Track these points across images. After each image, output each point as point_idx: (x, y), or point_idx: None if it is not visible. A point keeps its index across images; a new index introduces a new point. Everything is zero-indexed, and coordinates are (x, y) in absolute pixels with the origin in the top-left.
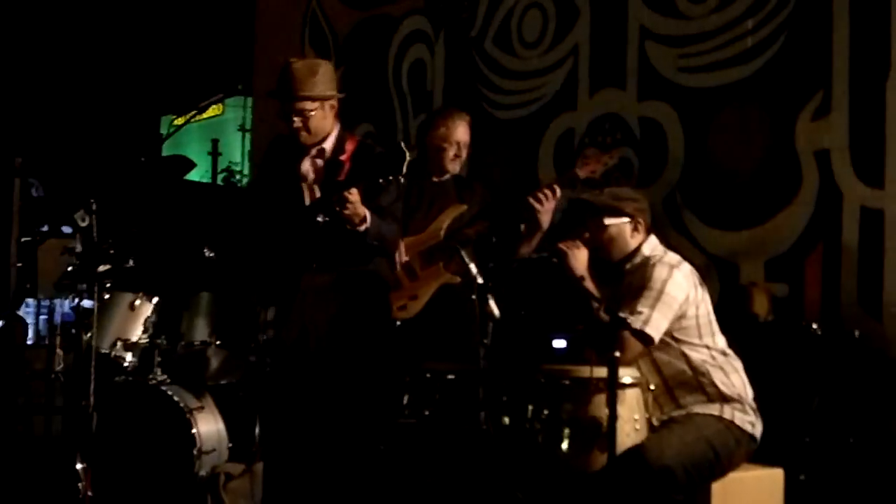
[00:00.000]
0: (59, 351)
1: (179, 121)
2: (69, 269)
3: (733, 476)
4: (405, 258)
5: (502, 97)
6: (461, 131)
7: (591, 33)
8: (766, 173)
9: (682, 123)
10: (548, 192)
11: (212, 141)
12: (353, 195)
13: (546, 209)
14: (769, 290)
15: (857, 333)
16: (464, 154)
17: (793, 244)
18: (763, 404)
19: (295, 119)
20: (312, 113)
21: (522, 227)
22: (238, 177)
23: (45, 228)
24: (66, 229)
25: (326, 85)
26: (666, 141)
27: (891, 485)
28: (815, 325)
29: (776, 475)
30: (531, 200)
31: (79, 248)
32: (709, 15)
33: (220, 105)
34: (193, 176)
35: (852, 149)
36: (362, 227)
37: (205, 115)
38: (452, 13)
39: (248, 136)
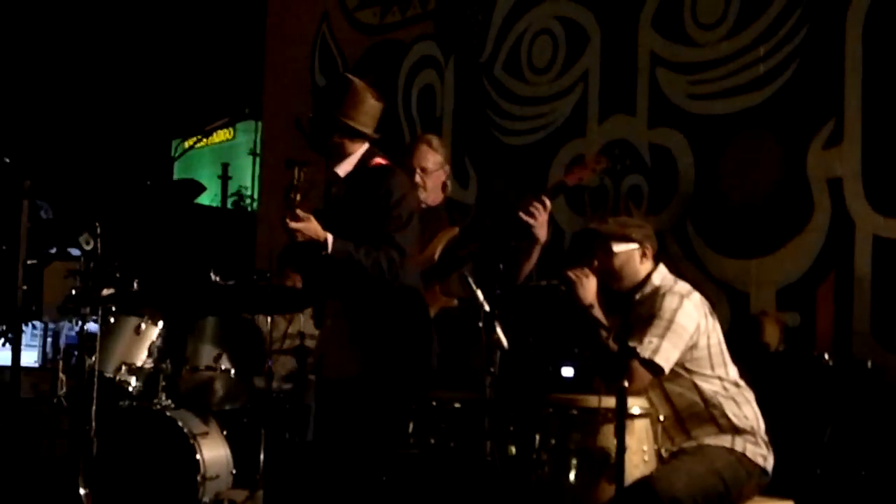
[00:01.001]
0: (61, 375)
1: (188, 143)
2: (73, 292)
3: None
4: None
5: (512, 123)
6: (419, 157)
7: (602, 59)
8: (777, 201)
9: (692, 150)
10: (537, 204)
11: (222, 165)
12: (299, 214)
13: (540, 222)
14: (780, 320)
15: (869, 364)
16: (427, 179)
17: (804, 273)
18: (774, 435)
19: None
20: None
21: (521, 243)
22: (248, 201)
23: (53, 251)
24: (75, 252)
25: (353, 116)
26: (676, 168)
27: None
28: (826, 356)
29: None
30: (523, 216)
31: (82, 271)
32: (720, 42)
33: (231, 129)
34: (204, 200)
35: (865, 177)
36: (324, 252)
37: (216, 140)
38: (462, 39)
39: (258, 160)
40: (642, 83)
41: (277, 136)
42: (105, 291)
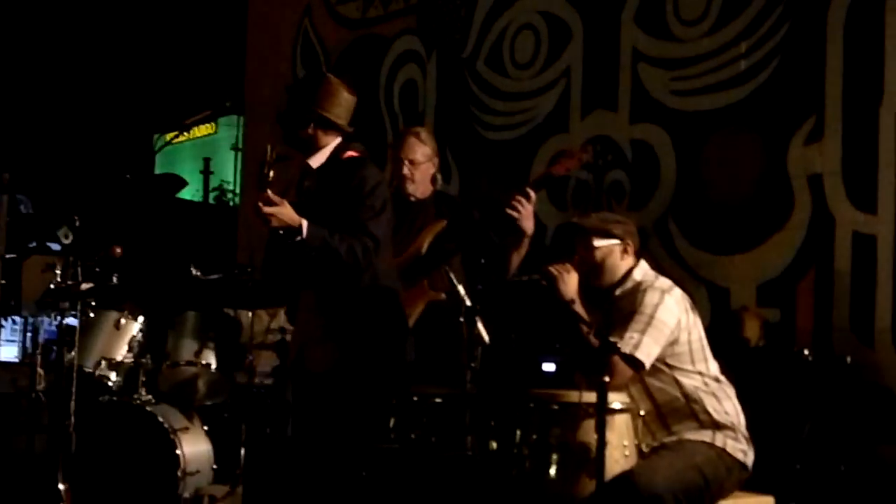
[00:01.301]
0: (39, 370)
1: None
2: (51, 286)
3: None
4: None
5: (494, 118)
6: (407, 148)
7: (584, 55)
8: (758, 197)
9: (674, 146)
10: (521, 197)
11: (203, 160)
12: (272, 198)
13: (525, 214)
14: (761, 315)
15: (849, 360)
16: (415, 171)
17: (785, 269)
18: (754, 430)
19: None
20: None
21: (507, 238)
22: (230, 195)
23: (33, 245)
24: (55, 246)
25: (322, 101)
26: (658, 164)
27: None
28: (806, 352)
29: (766, 503)
30: (508, 211)
31: (59, 266)
32: (702, 38)
33: (213, 124)
34: (185, 194)
35: (845, 174)
36: (298, 238)
37: (198, 134)
38: (445, 34)
39: (240, 154)
40: (624, 79)
41: (259, 131)
42: (84, 286)
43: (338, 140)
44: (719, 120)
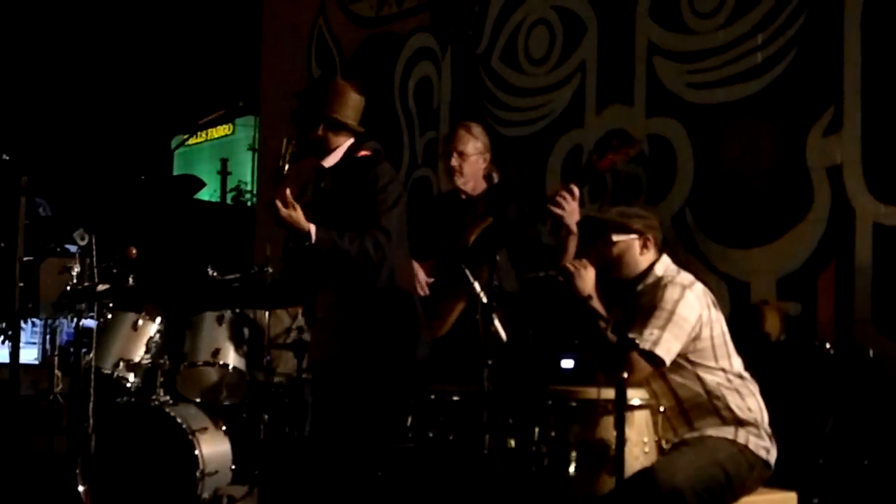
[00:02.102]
0: (57, 372)
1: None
2: (68, 288)
3: (745, 501)
4: (427, 278)
5: (509, 114)
6: (457, 140)
7: (599, 49)
8: (777, 190)
9: (691, 140)
10: (565, 193)
11: (221, 160)
12: (288, 200)
13: (570, 210)
14: (781, 309)
15: (871, 353)
16: (465, 165)
17: (805, 262)
18: (776, 425)
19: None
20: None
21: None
22: (247, 196)
23: (52, 247)
24: (72, 248)
25: (331, 103)
26: (675, 158)
27: None
28: (828, 345)
29: (789, 499)
30: (552, 208)
31: (77, 268)
32: (717, 30)
33: (231, 125)
34: (204, 195)
35: (865, 165)
36: (308, 244)
37: (215, 135)
38: (459, 30)
39: (258, 155)
40: (640, 73)
41: (275, 130)
42: (101, 287)
43: (350, 141)
44: (736, 112)
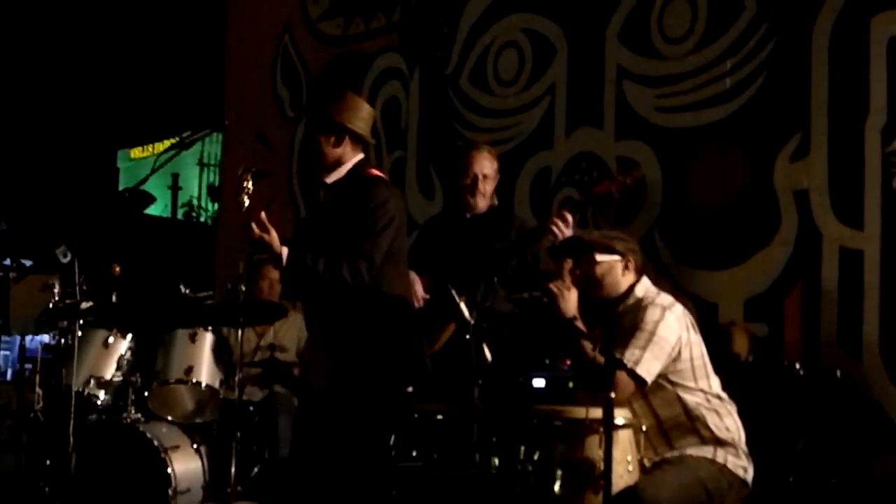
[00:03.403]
0: (38, 390)
1: (137, 153)
2: (50, 305)
3: None
4: (424, 294)
5: (478, 135)
6: (480, 164)
7: (569, 72)
8: (744, 213)
9: (660, 163)
10: (559, 221)
11: (172, 175)
12: (264, 223)
13: (565, 237)
14: (749, 330)
15: (839, 373)
16: (487, 186)
17: (772, 284)
18: (749, 444)
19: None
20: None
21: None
22: (199, 211)
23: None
24: (27, 263)
25: (335, 113)
26: (644, 180)
27: None
28: (797, 366)
29: None
30: (548, 234)
31: (58, 286)
32: (687, 55)
33: (178, 139)
34: (154, 211)
35: (831, 189)
36: (283, 263)
37: (162, 149)
38: (427, 51)
39: (207, 170)
40: (609, 96)
41: (239, 148)
42: (84, 305)
43: (358, 157)
44: (705, 137)
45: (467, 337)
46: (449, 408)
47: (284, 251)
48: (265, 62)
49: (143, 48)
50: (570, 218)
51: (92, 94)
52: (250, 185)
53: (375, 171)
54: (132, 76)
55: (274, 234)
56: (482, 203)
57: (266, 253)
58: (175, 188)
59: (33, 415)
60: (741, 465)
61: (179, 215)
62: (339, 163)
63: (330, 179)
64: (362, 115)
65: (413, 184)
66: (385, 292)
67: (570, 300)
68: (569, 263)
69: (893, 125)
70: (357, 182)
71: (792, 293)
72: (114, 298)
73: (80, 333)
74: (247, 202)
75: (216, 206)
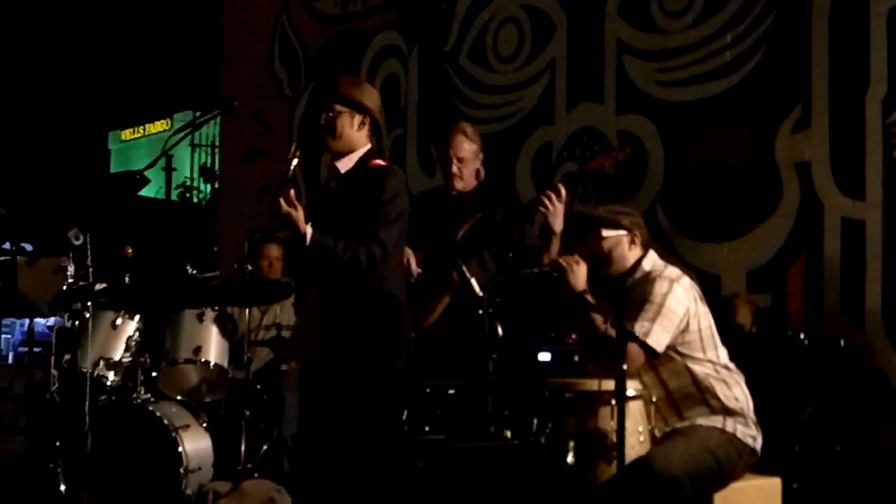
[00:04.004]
0: (53, 371)
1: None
2: (64, 287)
3: (734, 486)
4: (416, 268)
5: (478, 112)
6: (455, 146)
7: (569, 48)
8: (746, 186)
9: (661, 137)
10: (552, 193)
11: (166, 157)
12: (292, 199)
13: (556, 211)
14: (752, 302)
15: (842, 342)
16: (464, 168)
17: (774, 255)
18: (756, 414)
19: (322, 115)
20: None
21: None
22: (194, 193)
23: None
24: (27, 246)
25: (365, 96)
26: (645, 154)
27: (877, 491)
28: (802, 335)
29: (774, 484)
30: (539, 207)
31: (71, 267)
32: (687, 29)
33: (169, 120)
34: (148, 193)
35: (833, 161)
36: (307, 241)
37: (153, 130)
38: (426, 28)
39: (198, 151)
40: (610, 71)
41: (237, 128)
42: (98, 286)
43: (367, 147)
44: (706, 110)
45: (479, 312)
46: (462, 382)
47: (308, 229)
48: (263, 41)
49: (135, 28)
50: (562, 191)
51: (83, 75)
52: (296, 160)
53: (383, 161)
54: (124, 57)
55: (301, 211)
56: (460, 184)
57: (289, 229)
58: (169, 169)
59: (49, 396)
60: (750, 434)
61: (174, 196)
62: (352, 147)
63: (343, 167)
64: (379, 103)
65: (413, 161)
66: (387, 280)
67: (580, 274)
68: (556, 239)
69: (894, 96)
70: (370, 171)
71: (794, 264)
72: (126, 280)
73: (87, 315)
74: (291, 172)
75: (209, 186)
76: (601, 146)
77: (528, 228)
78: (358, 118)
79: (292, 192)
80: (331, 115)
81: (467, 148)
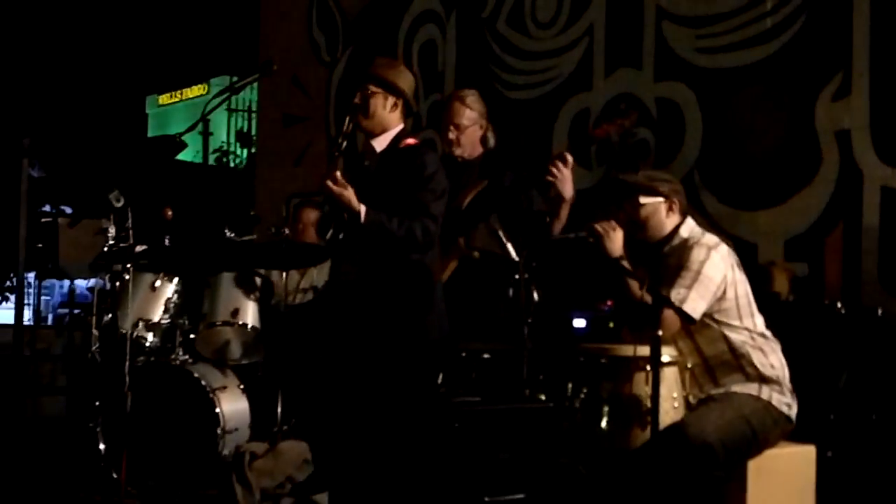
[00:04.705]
0: (94, 331)
1: (166, 99)
2: (105, 249)
3: (768, 453)
4: None
5: (515, 77)
6: (452, 113)
7: (607, 13)
8: (785, 153)
9: (699, 104)
10: (559, 162)
11: (203, 121)
12: (339, 179)
13: (564, 178)
14: (789, 270)
15: (879, 311)
16: (461, 135)
17: (812, 224)
18: (792, 382)
19: (357, 94)
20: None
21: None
22: (230, 157)
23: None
24: (67, 209)
25: (400, 79)
26: (683, 121)
27: None
28: (839, 304)
29: (808, 452)
30: (547, 175)
31: (112, 229)
32: None
33: (206, 85)
34: (185, 157)
35: (873, 129)
36: (359, 222)
37: (190, 95)
38: None
39: (235, 115)
40: (648, 37)
41: (274, 92)
42: (138, 248)
43: (401, 126)
44: (745, 77)
45: (516, 276)
46: (497, 346)
47: (363, 208)
48: (301, 6)
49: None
50: (569, 158)
51: (122, 40)
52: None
53: (415, 140)
54: (162, 22)
55: (350, 190)
56: (458, 150)
57: (343, 209)
58: (206, 134)
59: (89, 356)
60: (785, 402)
61: (211, 161)
62: (384, 127)
63: (378, 146)
64: (414, 86)
65: None
66: (430, 256)
67: (616, 240)
68: (566, 205)
69: None
70: (404, 150)
71: (833, 233)
72: (166, 242)
73: (126, 277)
74: (344, 144)
75: (245, 151)
76: (604, 114)
77: (535, 194)
78: (391, 99)
79: (338, 173)
80: (366, 94)
81: (465, 115)
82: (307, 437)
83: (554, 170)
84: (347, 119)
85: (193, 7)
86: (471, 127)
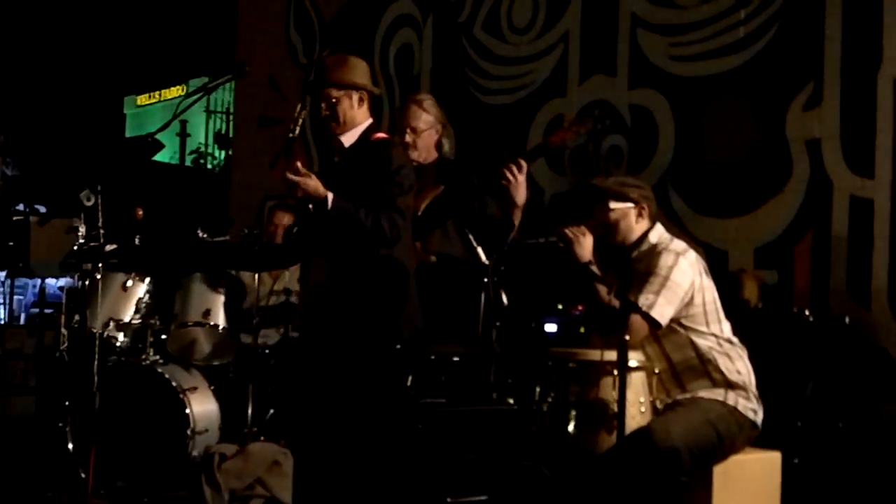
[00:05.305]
0: (63, 331)
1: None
2: (75, 248)
3: (733, 459)
4: None
5: (491, 82)
6: (408, 117)
7: (582, 20)
8: (756, 162)
9: (672, 111)
10: (513, 166)
11: (180, 122)
12: (300, 169)
13: (518, 183)
14: (759, 277)
15: (847, 320)
16: (418, 139)
17: (782, 232)
18: (758, 389)
19: (322, 105)
20: (335, 101)
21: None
22: (208, 159)
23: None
24: (41, 208)
25: (356, 74)
26: (656, 129)
27: (878, 468)
28: (807, 312)
29: (774, 458)
30: (503, 181)
31: (83, 228)
32: (701, 4)
33: (184, 86)
34: (162, 158)
35: (843, 138)
36: (325, 209)
37: (168, 96)
38: None
39: (213, 117)
40: (623, 44)
41: (251, 94)
42: (108, 247)
43: (369, 121)
44: (718, 86)
45: (485, 280)
46: (466, 350)
47: (329, 195)
48: (278, 8)
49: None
50: (524, 165)
51: (100, 39)
52: (301, 119)
53: (384, 134)
54: (141, 22)
55: (314, 178)
56: (415, 155)
57: (309, 200)
58: (183, 135)
59: (58, 355)
60: (751, 408)
61: (188, 162)
62: (355, 124)
63: (347, 142)
64: (369, 72)
65: None
66: (398, 249)
67: (586, 245)
68: (518, 211)
69: None
70: (373, 144)
71: (802, 241)
72: (137, 242)
73: (98, 276)
74: (297, 132)
75: (223, 153)
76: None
77: (489, 200)
78: (356, 97)
79: (298, 163)
80: (332, 101)
81: (421, 118)
82: (283, 438)
83: (508, 174)
84: (299, 106)
85: (172, 8)
86: (427, 131)
